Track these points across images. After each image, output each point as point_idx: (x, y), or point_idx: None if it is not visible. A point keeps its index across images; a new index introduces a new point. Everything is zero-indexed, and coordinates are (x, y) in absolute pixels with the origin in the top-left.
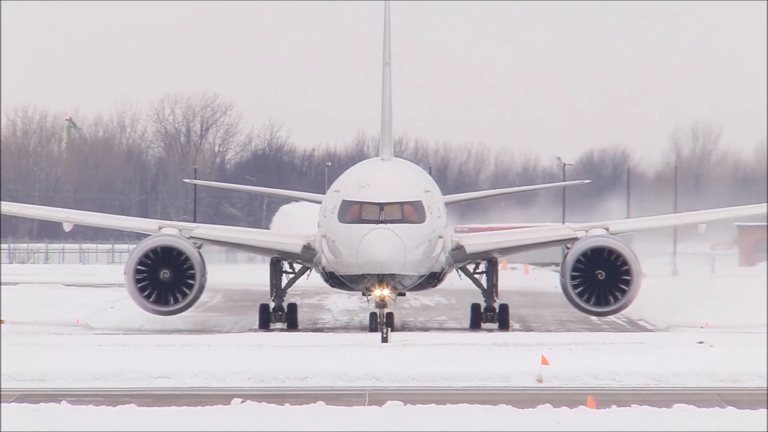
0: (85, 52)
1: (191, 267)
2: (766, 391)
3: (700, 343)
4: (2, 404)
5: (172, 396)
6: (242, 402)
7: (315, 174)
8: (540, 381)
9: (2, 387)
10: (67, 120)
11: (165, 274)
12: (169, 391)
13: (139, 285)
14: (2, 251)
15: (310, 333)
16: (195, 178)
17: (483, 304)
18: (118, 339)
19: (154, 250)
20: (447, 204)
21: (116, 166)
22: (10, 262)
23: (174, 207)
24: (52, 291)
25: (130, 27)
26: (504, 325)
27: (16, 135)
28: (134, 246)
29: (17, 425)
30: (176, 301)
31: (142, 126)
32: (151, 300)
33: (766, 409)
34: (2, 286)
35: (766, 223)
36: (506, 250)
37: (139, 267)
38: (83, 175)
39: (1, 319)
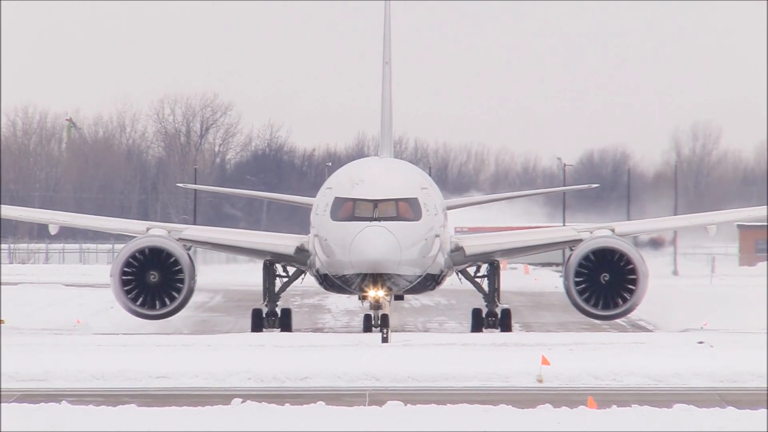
0: (85, 52)
1: (180, 269)
2: (766, 391)
3: (700, 343)
4: (2, 404)
5: (172, 396)
6: (242, 402)
7: (315, 174)
8: (540, 381)
9: (2, 387)
10: (67, 120)
11: (153, 276)
12: (169, 391)
13: (125, 288)
14: (2, 251)
15: (310, 333)
16: (195, 178)
17: (484, 309)
18: (118, 339)
19: (141, 252)
20: (448, 209)
21: (116, 166)
22: (11, 262)
23: (174, 207)
24: (52, 291)
25: (131, 27)
26: (506, 331)
27: (16, 135)
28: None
29: (17, 425)
30: (164, 304)
31: (142, 126)
32: (138, 303)
33: (766, 410)
34: (2, 286)
35: (766, 224)
36: (508, 252)
37: (125, 269)
38: (83, 175)
39: (1, 319)
